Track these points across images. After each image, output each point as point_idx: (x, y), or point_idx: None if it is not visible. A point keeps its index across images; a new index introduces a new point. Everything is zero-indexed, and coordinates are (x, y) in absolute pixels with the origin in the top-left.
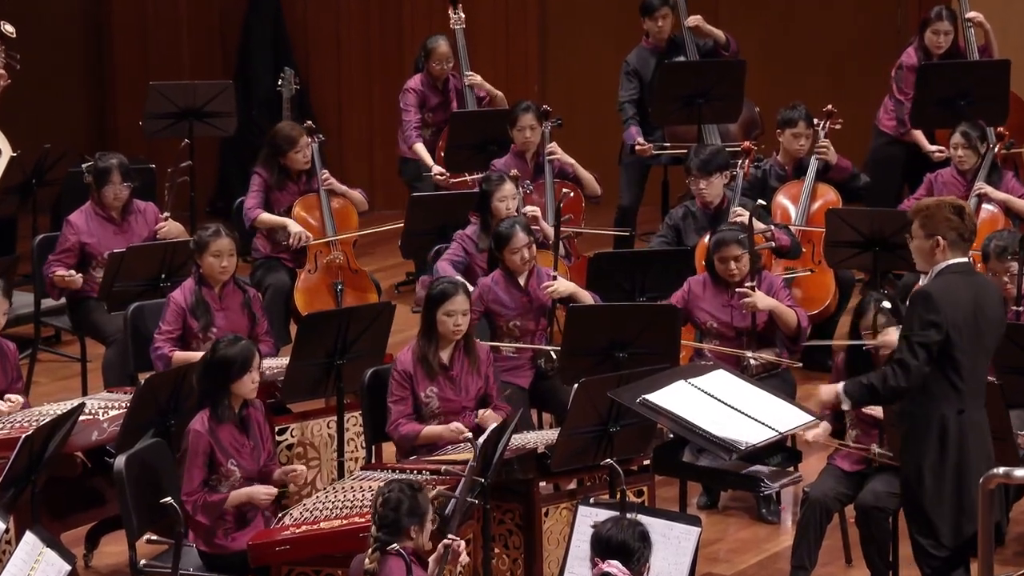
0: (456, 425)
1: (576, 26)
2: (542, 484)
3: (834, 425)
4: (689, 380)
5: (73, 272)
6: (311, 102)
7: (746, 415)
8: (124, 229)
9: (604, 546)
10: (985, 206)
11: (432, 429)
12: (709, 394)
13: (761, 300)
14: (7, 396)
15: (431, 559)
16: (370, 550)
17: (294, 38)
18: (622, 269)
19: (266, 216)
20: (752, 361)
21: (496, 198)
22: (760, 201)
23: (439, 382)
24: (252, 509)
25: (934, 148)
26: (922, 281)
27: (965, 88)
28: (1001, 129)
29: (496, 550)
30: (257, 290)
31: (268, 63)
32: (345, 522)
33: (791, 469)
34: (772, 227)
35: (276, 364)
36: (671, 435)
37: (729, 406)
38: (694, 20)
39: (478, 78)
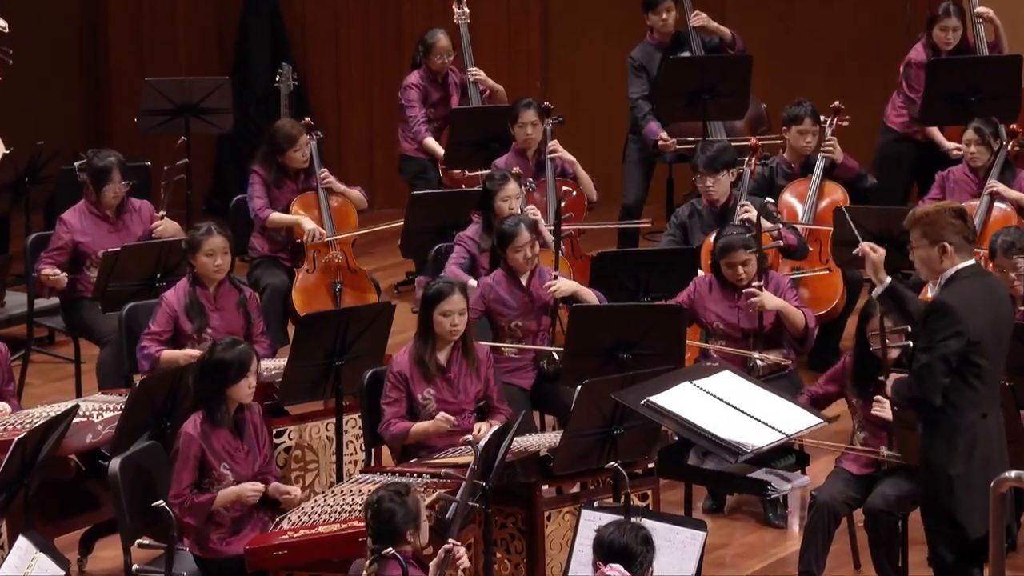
0: (442, 415)
1: (578, 22)
2: (544, 487)
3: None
4: (694, 382)
5: (57, 271)
6: (309, 100)
7: (752, 417)
8: (119, 228)
9: (606, 550)
10: (997, 204)
11: (420, 425)
12: (715, 396)
13: (769, 300)
14: None
15: (431, 564)
16: (367, 562)
17: (292, 35)
18: (626, 269)
19: (277, 215)
20: (758, 362)
21: (499, 198)
22: (768, 199)
23: (436, 384)
24: (243, 509)
25: (951, 146)
26: (931, 290)
27: (975, 84)
28: (1014, 126)
29: (498, 555)
30: (255, 290)
31: (265, 59)
32: (344, 526)
33: (798, 472)
34: (780, 226)
35: (274, 365)
36: (676, 438)
37: (735, 408)
38: (699, 19)
39: (482, 74)
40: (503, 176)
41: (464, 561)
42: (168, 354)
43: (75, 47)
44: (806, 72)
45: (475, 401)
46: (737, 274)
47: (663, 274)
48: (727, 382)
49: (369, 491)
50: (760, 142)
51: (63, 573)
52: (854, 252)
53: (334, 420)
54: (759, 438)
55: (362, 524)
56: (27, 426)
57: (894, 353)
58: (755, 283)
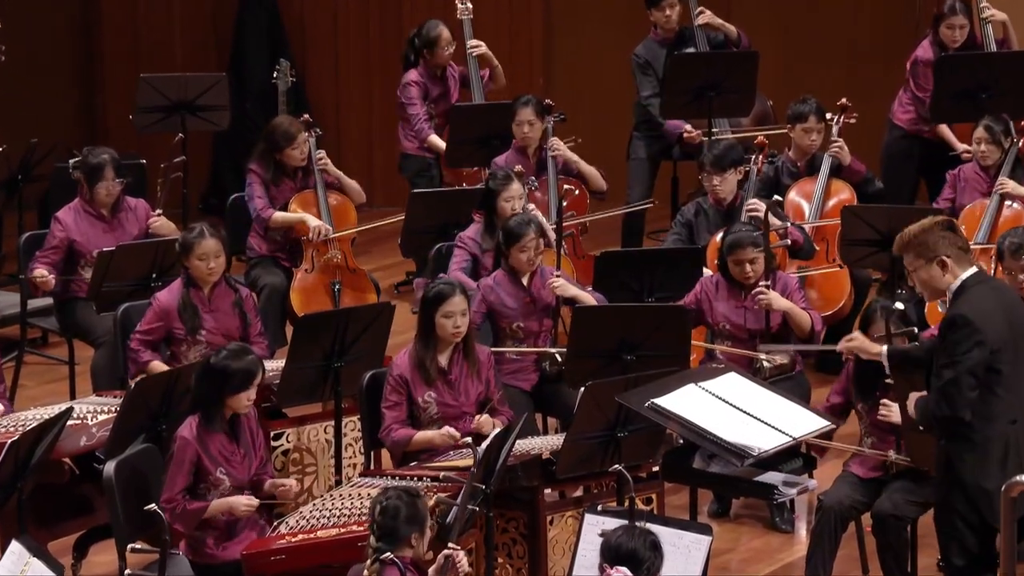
0: (447, 430)
1: (581, 19)
2: (547, 491)
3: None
4: (700, 383)
5: (46, 273)
6: (308, 96)
7: (759, 420)
8: (114, 227)
9: (613, 554)
10: (1008, 203)
11: (424, 434)
12: (720, 398)
13: (776, 300)
14: None
15: (430, 570)
16: (368, 561)
17: (291, 31)
18: (630, 268)
19: (281, 215)
20: (765, 363)
21: (503, 198)
22: (776, 197)
23: (437, 387)
24: (235, 520)
25: (963, 148)
26: (941, 307)
27: (985, 81)
28: None
29: (499, 560)
30: (252, 290)
31: (263, 55)
32: (343, 531)
33: (805, 476)
34: (789, 224)
35: (271, 367)
36: (681, 440)
37: (741, 410)
38: (704, 17)
39: (483, 47)
40: (506, 176)
41: (464, 566)
42: (157, 365)
43: (69, 43)
44: (813, 68)
45: (476, 404)
46: (744, 272)
47: (668, 274)
48: (733, 384)
49: (368, 495)
50: (765, 132)
51: None
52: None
53: (333, 423)
54: (765, 441)
55: (362, 528)
56: (20, 429)
57: None
58: (763, 282)
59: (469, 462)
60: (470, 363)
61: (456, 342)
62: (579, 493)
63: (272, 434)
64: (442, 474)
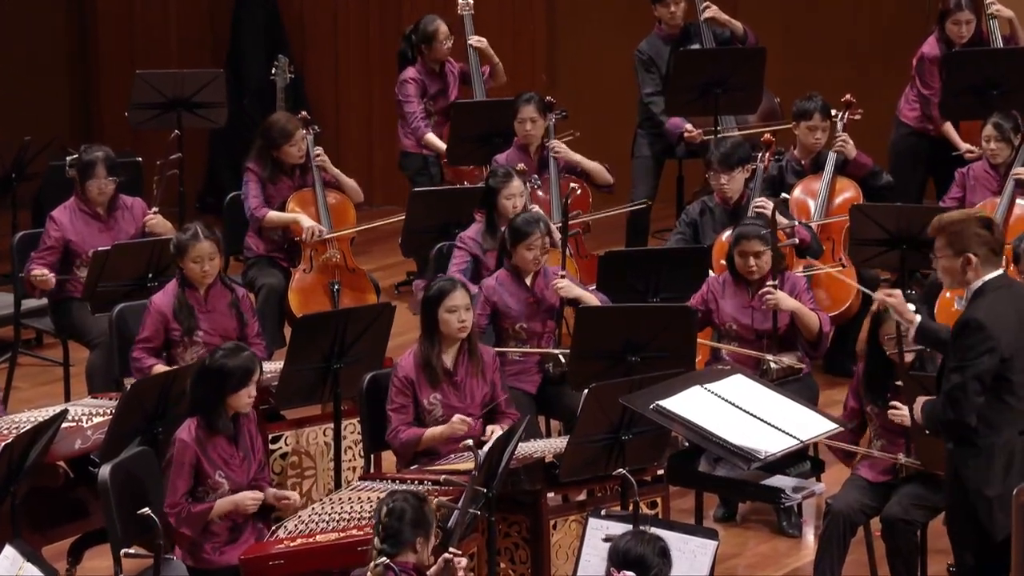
0: (459, 417)
1: (585, 14)
2: (550, 495)
3: (858, 433)
4: (705, 385)
5: (46, 271)
6: (307, 93)
7: (766, 422)
8: (110, 226)
9: (621, 559)
10: (1020, 201)
11: (433, 431)
12: (727, 400)
13: (784, 300)
14: None
15: (429, 573)
16: (372, 563)
17: (289, 27)
18: (634, 268)
19: (274, 214)
20: (772, 365)
21: (503, 195)
22: (784, 195)
23: (443, 389)
24: (240, 519)
25: (966, 147)
26: (958, 303)
27: (995, 77)
28: None
29: (501, 565)
30: (250, 290)
31: (260, 51)
32: (342, 535)
33: (813, 480)
34: (797, 223)
35: (269, 368)
36: (686, 443)
37: (748, 413)
38: (710, 12)
39: (484, 42)
40: (507, 173)
41: (465, 572)
42: (160, 369)
43: (63, 38)
44: (821, 65)
45: (482, 406)
46: (748, 265)
47: (673, 274)
48: (739, 386)
49: (369, 499)
50: (771, 130)
51: None
52: (872, 308)
53: (332, 425)
54: (773, 444)
55: (362, 533)
56: (14, 431)
57: (910, 357)
58: (770, 282)
59: (471, 465)
60: (475, 364)
61: (461, 340)
62: (583, 497)
63: (270, 437)
64: (443, 477)
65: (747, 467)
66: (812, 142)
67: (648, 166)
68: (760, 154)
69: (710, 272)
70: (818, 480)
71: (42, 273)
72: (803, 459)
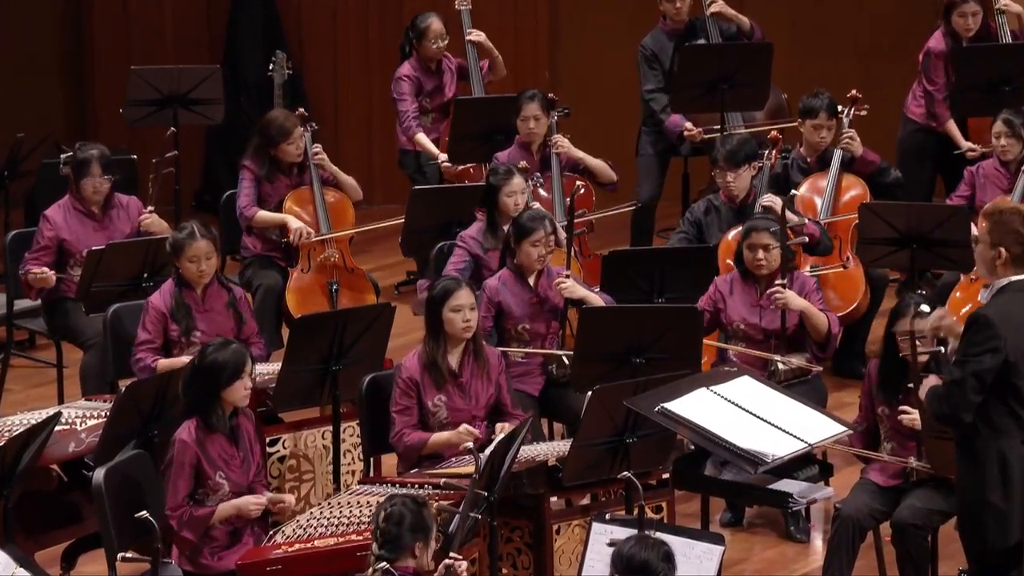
0: (465, 427)
1: (588, 9)
2: (553, 499)
3: (869, 437)
4: (711, 388)
5: (45, 269)
6: (305, 90)
7: (773, 425)
8: (105, 225)
9: (625, 565)
10: None
11: (439, 435)
12: (733, 403)
13: (793, 299)
14: None
15: None
16: (370, 569)
17: (287, 22)
18: (639, 268)
19: (264, 214)
20: (780, 366)
21: (504, 193)
22: (793, 192)
23: (448, 390)
24: (241, 523)
25: (967, 146)
26: (982, 296)
27: (1005, 73)
28: None
29: (504, 571)
30: (247, 290)
31: (258, 47)
32: (341, 540)
33: (822, 483)
34: (806, 220)
35: (267, 370)
36: (692, 447)
37: (755, 415)
38: (717, 6)
39: (482, 36)
40: (507, 170)
41: None
42: (165, 363)
43: (58, 34)
44: (828, 60)
45: (486, 407)
46: (758, 258)
47: (678, 274)
48: (746, 388)
49: (368, 503)
50: (778, 127)
51: None
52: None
53: (331, 428)
54: (780, 447)
55: (361, 537)
56: (6, 434)
57: (923, 358)
58: (779, 281)
59: (472, 469)
60: (480, 365)
61: (466, 340)
62: (586, 501)
63: (268, 440)
64: (444, 481)
65: (754, 471)
66: (818, 140)
67: (653, 164)
68: (767, 151)
69: (718, 272)
70: (826, 484)
71: (42, 271)
72: (811, 463)
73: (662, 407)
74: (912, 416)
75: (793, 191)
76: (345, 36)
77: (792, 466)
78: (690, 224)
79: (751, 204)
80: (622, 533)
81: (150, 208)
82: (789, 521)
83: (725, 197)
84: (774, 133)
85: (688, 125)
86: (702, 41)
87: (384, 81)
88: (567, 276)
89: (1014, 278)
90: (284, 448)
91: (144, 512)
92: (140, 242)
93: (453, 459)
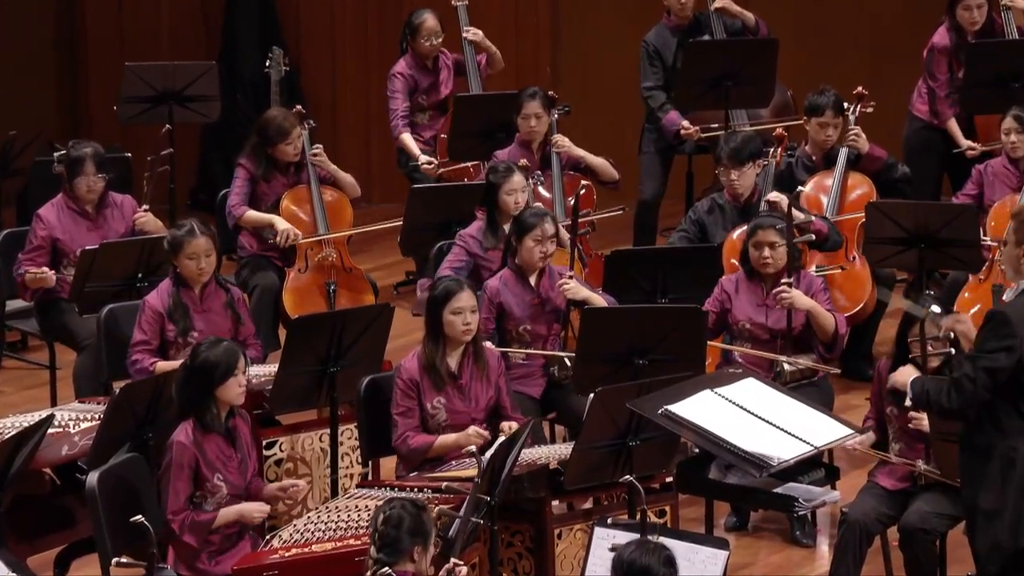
0: (473, 428)
1: (591, 3)
2: (554, 503)
3: (877, 436)
4: (716, 389)
5: (46, 269)
6: (302, 86)
7: (779, 428)
8: (99, 224)
9: (625, 570)
10: None
11: (446, 438)
12: (738, 405)
13: (800, 299)
14: None
15: None
16: (368, 573)
17: (284, 18)
18: (642, 268)
19: (252, 214)
20: (786, 367)
21: (504, 191)
22: (800, 188)
23: (447, 392)
24: (242, 528)
25: (966, 144)
26: (1007, 296)
27: (1016, 69)
28: None
29: (504, 575)
30: (243, 290)
31: (254, 43)
32: (339, 544)
33: (828, 487)
34: (813, 217)
35: (264, 372)
36: (696, 450)
37: (760, 418)
38: (721, 2)
39: (480, 34)
40: (507, 168)
41: None
42: (163, 365)
43: (50, 28)
44: (834, 57)
45: (486, 410)
46: (764, 256)
47: (682, 274)
48: (751, 390)
49: (367, 507)
50: (783, 124)
51: None
52: (942, 336)
53: (328, 431)
54: (786, 450)
55: (359, 542)
56: None
57: (935, 362)
58: (785, 280)
59: (473, 472)
60: (480, 366)
61: (466, 342)
62: (588, 505)
63: (264, 443)
64: (444, 485)
65: (759, 474)
66: (823, 138)
67: (656, 162)
68: (772, 149)
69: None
70: (833, 488)
71: (41, 271)
72: (817, 466)
73: (665, 409)
74: (920, 419)
75: (800, 187)
76: (343, 32)
77: (798, 469)
78: (693, 223)
79: (756, 203)
80: (625, 538)
81: (144, 207)
82: (795, 525)
83: (729, 196)
84: (779, 131)
85: (685, 124)
86: (706, 37)
87: (383, 78)
88: (570, 277)
89: None
90: (281, 451)
91: (139, 516)
92: (134, 241)
93: (453, 462)
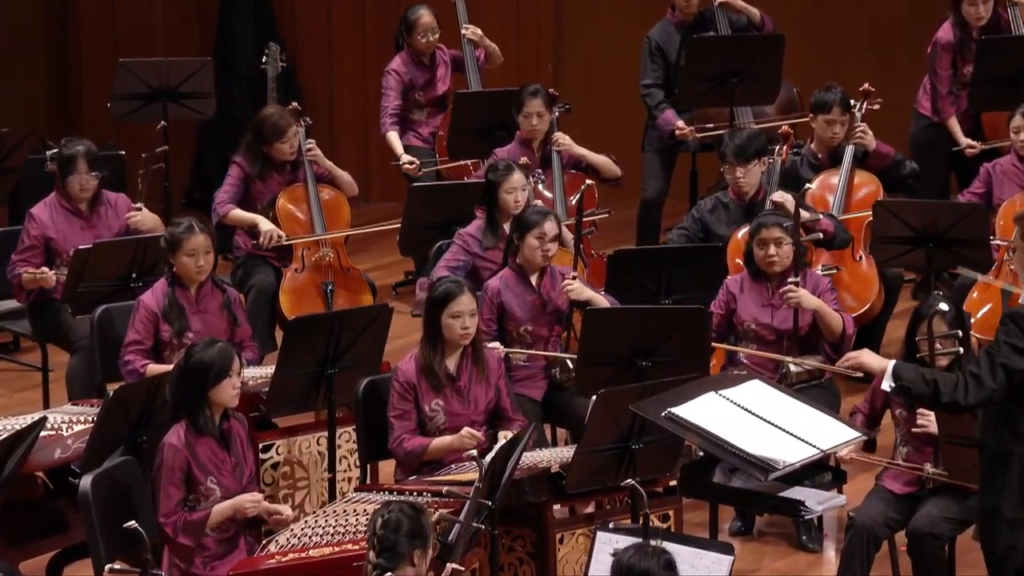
0: (467, 430)
1: (591, 3)
2: (556, 507)
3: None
4: (720, 392)
5: (46, 269)
6: (299, 83)
7: (784, 431)
8: (92, 223)
9: (625, 575)
10: None
11: (441, 440)
12: (743, 407)
13: (807, 298)
14: None
15: None
16: None
17: (280, 13)
18: (645, 268)
19: (237, 212)
20: (792, 368)
21: (504, 189)
22: (807, 185)
23: (445, 394)
24: (235, 530)
25: (965, 143)
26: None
27: None
28: None
29: None
30: (239, 291)
31: (250, 39)
32: (337, 549)
33: (835, 491)
34: (820, 215)
35: (260, 373)
36: (700, 453)
37: (765, 420)
38: None
39: (478, 32)
40: (507, 166)
41: None
42: (155, 368)
43: (42, 25)
44: (842, 53)
45: (486, 412)
46: (769, 254)
47: (686, 274)
48: (756, 392)
49: (365, 511)
50: (788, 122)
51: None
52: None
53: (326, 434)
54: (792, 453)
55: (357, 547)
56: None
57: (943, 361)
58: (791, 279)
59: (473, 476)
60: (479, 369)
61: (464, 345)
62: (591, 509)
63: (261, 446)
64: (444, 489)
65: (764, 478)
66: (830, 136)
67: (659, 160)
68: (777, 147)
69: (727, 272)
70: (840, 491)
71: (41, 271)
72: (824, 469)
73: (669, 412)
74: (927, 418)
75: (807, 185)
76: (340, 28)
77: (804, 473)
78: (695, 221)
79: (761, 201)
80: (627, 542)
81: (139, 205)
82: (801, 530)
83: (734, 194)
84: (785, 128)
85: (680, 124)
86: (711, 33)
87: (381, 75)
88: (573, 278)
89: None
90: (278, 454)
91: (132, 522)
92: (128, 241)
93: (453, 465)
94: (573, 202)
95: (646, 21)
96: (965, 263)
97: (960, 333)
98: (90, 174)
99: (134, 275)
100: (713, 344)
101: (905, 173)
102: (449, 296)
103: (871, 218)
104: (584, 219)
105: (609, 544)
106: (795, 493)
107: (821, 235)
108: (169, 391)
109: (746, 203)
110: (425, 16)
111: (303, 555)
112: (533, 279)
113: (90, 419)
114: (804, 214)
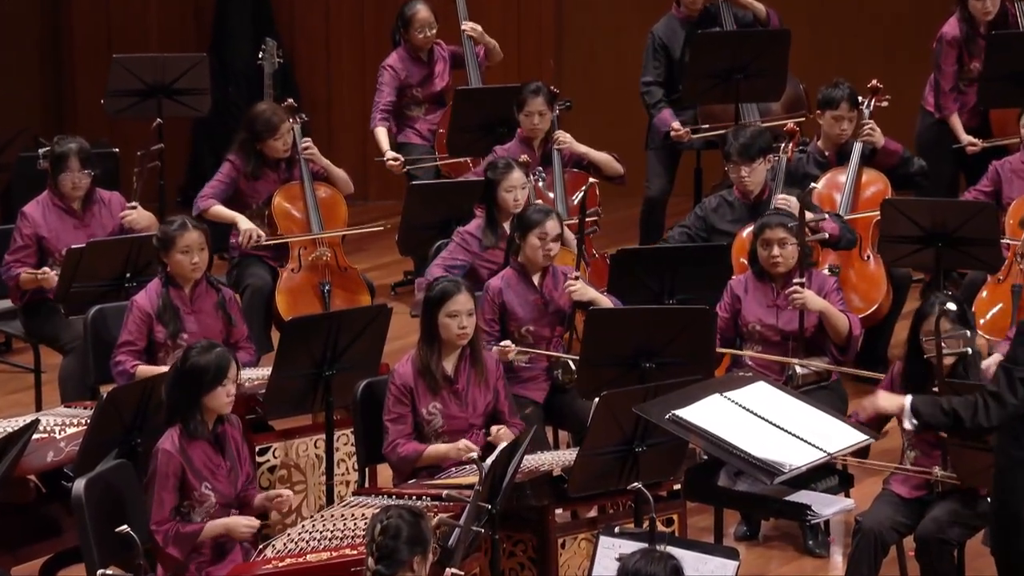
0: (464, 442)
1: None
2: (558, 511)
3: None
4: (725, 394)
5: (47, 269)
6: (296, 79)
7: (790, 433)
8: (85, 222)
9: None
10: None
11: (436, 448)
12: (748, 409)
13: (812, 299)
14: None
15: None
16: None
17: (278, 9)
18: (649, 268)
19: (218, 208)
20: (798, 370)
21: (503, 188)
22: (813, 184)
23: (443, 397)
24: (229, 541)
25: (967, 140)
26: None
27: None
28: None
29: None
30: (234, 291)
31: (247, 35)
32: (335, 554)
33: (842, 495)
34: (825, 215)
35: (257, 375)
36: (705, 456)
37: (771, 423)
38: None
39: (478, 29)
40: (507, 164)
41: None
42: (145, 369)
43: (34, 19)
44: (849, 49)
45: (484, 415)
46: (773, 254)
47: (690, 274)
48: (762, 394)
49: (363, 515)
50: (797, 118)
51: None
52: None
53: (324, 436)
54: (798, 457)
55: (355, 552)
56: None
57: (949, 361)
58: (796, 280)
59: (473, 479)
60: (477, 371)
61: (462, 346)
62: (593, 513)
63: (257, 449)
64: (444, 492)
65: (770, 481)
66: (838, 133)
67: (662, 158)
68: (783, 144)
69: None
70: (847, 495)
71: (42, 271)
72: (830, 473)
73: (673, 414)
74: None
75: (813, 184)
76: (338, 25)
77: (810, 476)
78: (698, 219)
79: (766, 200)
80: (631, 547)
81: (133, 204)
82: (807, 535)
83: (739, 192)
84: (791, 125)
85: (675, 124)
86: (716, 28)
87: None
88: (576, 278)
89: None
90: (274, 457)
91: (126, 527)
92: (122, 240)
93: (453, 469)
94: (575, 201)
95: (648, 17)
96: (974, 262)
97: (967, 332)
98: (83, 172)
99: (128, 275)
100: (719, 350)
101: (913, 170)
102: (446, 295)
103: (879, 217)
104: (586, 219)
105: (612, 549)
106: (801, 497)
107: (827, 236)
108: (165, 393)
109: (751, 202)
110: (422, 11)
111: (300, 560)
112: (535, 279)
113: (83, 422)
114: (809, 214)
